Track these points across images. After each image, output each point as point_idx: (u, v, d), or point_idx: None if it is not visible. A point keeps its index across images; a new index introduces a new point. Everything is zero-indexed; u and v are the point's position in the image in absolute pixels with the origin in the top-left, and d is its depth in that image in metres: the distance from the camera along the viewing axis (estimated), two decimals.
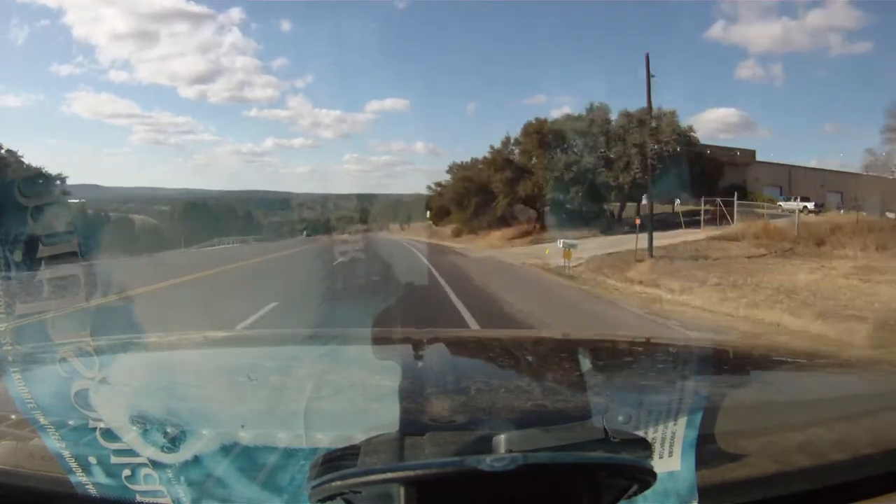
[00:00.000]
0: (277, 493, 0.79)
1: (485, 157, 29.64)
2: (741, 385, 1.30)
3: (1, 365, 1.20)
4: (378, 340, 1.68)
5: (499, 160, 28.23)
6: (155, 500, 0.79)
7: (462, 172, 32.06)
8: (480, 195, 28.65)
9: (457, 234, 33.32)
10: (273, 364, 1.59)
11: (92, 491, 0.79)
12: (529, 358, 1.64)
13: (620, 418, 0.84)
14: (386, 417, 0.92)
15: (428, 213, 38.14)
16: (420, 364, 1.49)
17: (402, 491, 0.64)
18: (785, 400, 1.23)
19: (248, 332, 2.53)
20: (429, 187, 38.31)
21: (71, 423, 0.88)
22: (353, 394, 1.25)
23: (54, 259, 1.00)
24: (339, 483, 0.67)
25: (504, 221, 29.18)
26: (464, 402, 1.10)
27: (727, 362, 1.54)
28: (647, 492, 0.70)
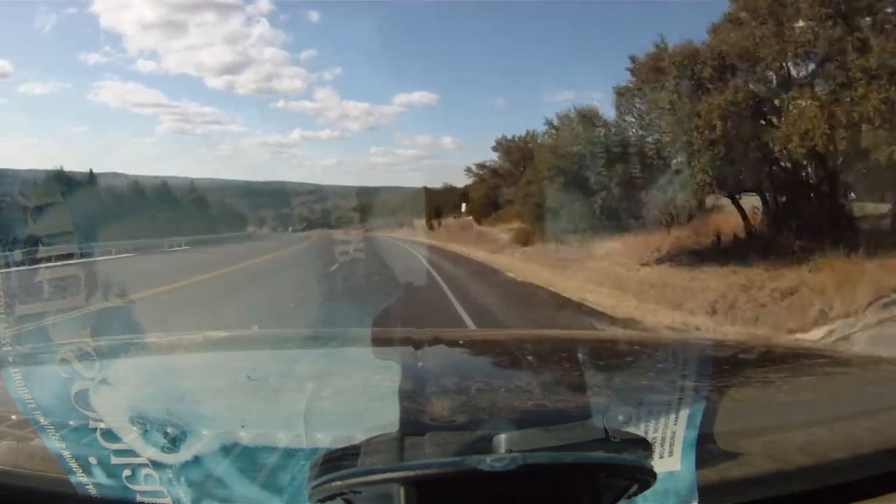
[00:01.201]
0: (277, 494, 0.79)
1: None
2: (741, 385, 1.30)
3: (1, 365, 1.20)
4: (378, 340, 1.68)
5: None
6: (155, 500, 0.79)
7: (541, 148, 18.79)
8: (573, 180, 14.63)
9: (522, 239, 19.67)
10: (273, 364, 1.59)
11: (92, 491, 0.79)
12: (529, 358, 1.64)
13: (620, 418, 0.84)
14: (386, 417, 0.92)
15: (464, 206, 30.74)
16: (420, 364, 1.49)
17: (402, 491, 0.64)
18: (785, 400, 1.23)
19: (249, 332, 2.53)
20: (469, 170, 30.53)
21: (71, 423, 0.88)
22: (353, 394, 1.25)
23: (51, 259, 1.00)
24: (339, 483, 0.67)
25: (615, 222, 14.74)
26: (464, 402, 1.10)
27: (727, 362, 1.54)
28: (647, 492, 0.70)
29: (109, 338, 1.73)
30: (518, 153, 26.11)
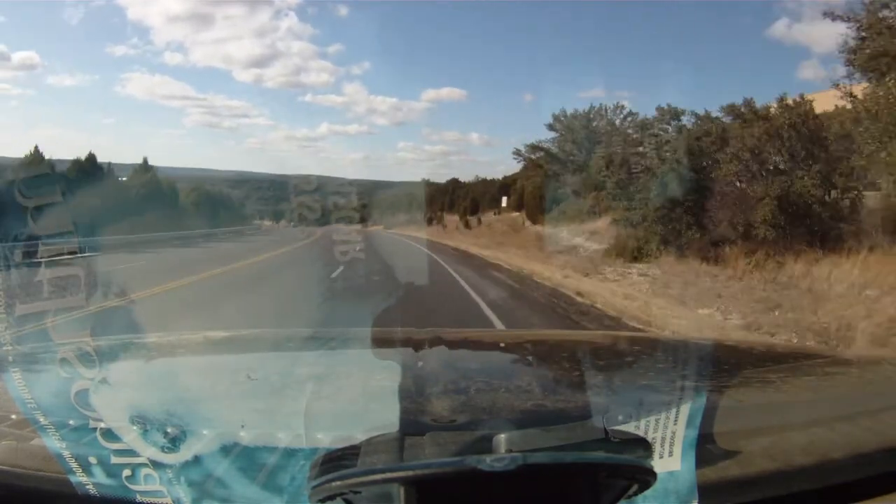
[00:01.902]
0: (277, 494, 0.79)
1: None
2: (741, 385, 1.30)
3: (1, 365, 1.20)
4: (378, 340, 1.68)
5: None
6: (155, 500, 0.79)
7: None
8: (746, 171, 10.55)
9: (629, 250, 13.11)
10: (273, 364, 1.59)
11: (92, 491, 0.79)
12: (529, 358, 1.64)
13: (620, 418, 0.84)
14: (386, 417, 0.92)
15: (504, 199, 26.49)
16: (420, 364, 1.49)
17: (402, 491, 0.64)
18: (785, 400, 1.23)
19: (249, 332, 2.53)
20: (518, 154, 24.98)
21: (71, 423, 0.88)
22: (353, 394, 1.25)
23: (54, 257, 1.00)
24: (339, 483, 0.67)
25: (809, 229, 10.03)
26: (464, 402, 1.10)
27: (727, 362, 1.54)
28: (647, 492, 0.71)
29: (109, 338, 1.73)
30: (584, 131, 21.16)
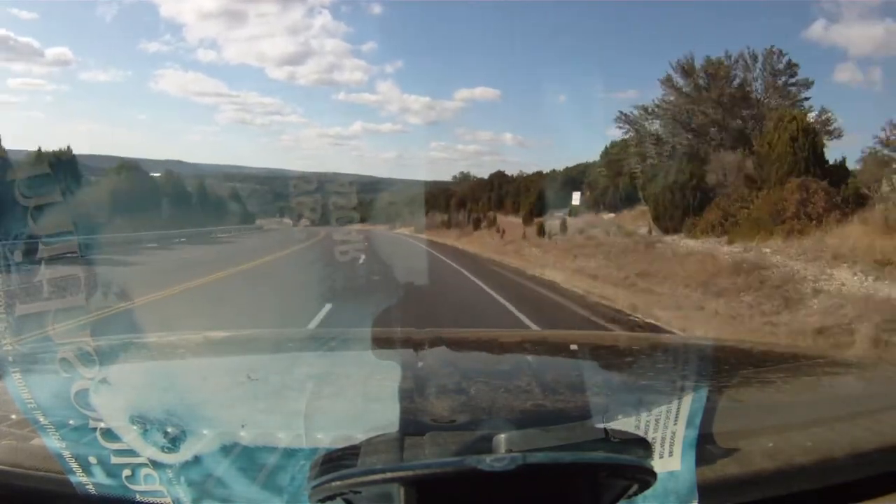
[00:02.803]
0: (277, 493, 0.79)
1: None
2: (741, 385, 1.30)
3: (1, 365, 1.20)
4: (378, 341, 1.68)
5: None
6: (155, 500, 0.79)
7: None
8: None
9: None
10: (273, 364, 1.59)
11: (92, 491, 0.79)
12: (529, 358, 1.64)
13: (620, 418, 0.84)
14: (386, 417, 0.92)
15: (577, 196, 18.71)
16: (420, 364, 1.49)
17: (401, 491, 0.64)
18: (785, 400, 1.23)
19: (249, 332, 2.53)
20: (623, 118, 17.12)
21: (71, 423, 0.88)
22: (353, 394, 1.25)
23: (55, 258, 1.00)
24: (339, 483, 0.67)
25: None
26: (464, 402, 1.10)
27: (727, 362, 1.54)
28: (647, 492, 0.71)
29: (109, 337, 1.73)
30: (738, 91, 13.82)
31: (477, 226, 26.80)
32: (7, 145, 22.60)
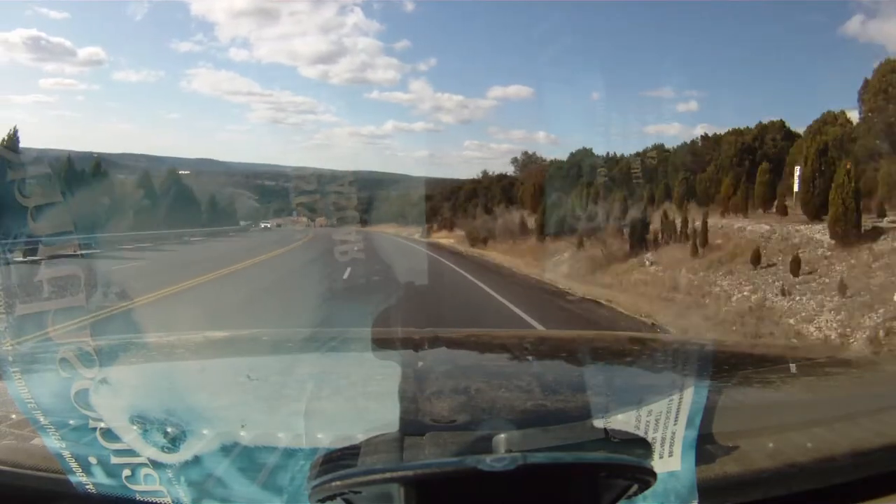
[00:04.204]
0: (277, 493, 0.79)
1: None
2: (741, 385, 1.30)
3: (1, 365, 1.20)
4: (378, 340, 1.68)
5: None
6: (155, 499, 0.79)
7: None
8: None
9: None
10: (273, 364, 1.59)
11: (92, 491, 0.79)
12: (529, 358, 1.64)
13: (620, 418, 0.84)
14: (386, 417, 0.92)
15: (797, 177, 12.22)
16: (420, 364, 1.49)
17: (401, 491, 0.64)
18: (785, 400, 1.23)
19: (249, 332, 2.54)
20: None
21: (71, 423, 0.88)
22: (353, 394, 1.25)
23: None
24: (339, 483, 0.67)
25: None
26: (464, 402, 1.10)
27: (727, 362, 1.54)
28: (647, 492, 0.71)
29: (109, 337, 1.73)
30: None
31: (556, 234, 16.35)
32: (40, 144, 23.12)
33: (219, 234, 30.63)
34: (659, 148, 22.09)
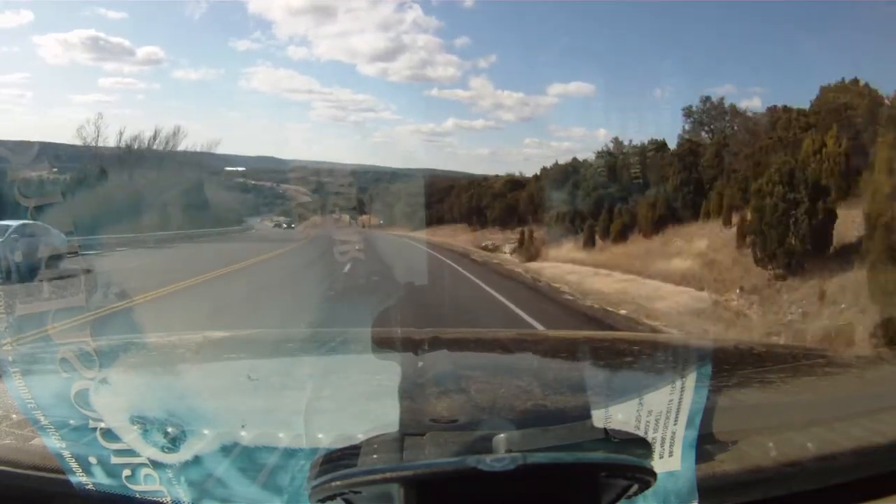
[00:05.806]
0: (278, 493, 0.79)
1: None
2: (741, 385, 1.30)
3: (1, 365, 1.20)
4: (378, 340, 1.68)
5: None
6: (155, 499, 0.79)
7: None
8: None
9: None
10: (273, 364, 1.59)
11: (92, 491, 0.79)
12: (529, 358, 1.64)
13: (620, 418, 0.84)
14: (386, 417, 0.92)
15: None
16: (420, 364, 1.48)
17: (401, 491, 0.64)
18: (785, 400, 1.23)
19: (249, 332, 2.54)
20: None
21: (71, 423, 0.88)
22: (353, 394, 1.25)
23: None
24: (339, 483, 0.67)
25: None
26: (464, 402, 1.10)
27: (727, 362, 1.54)
28: (647, 492, 0.70)
29: (109, 337, 1.73)
30: None
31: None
32: (100, 142, 24.28)
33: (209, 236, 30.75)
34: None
